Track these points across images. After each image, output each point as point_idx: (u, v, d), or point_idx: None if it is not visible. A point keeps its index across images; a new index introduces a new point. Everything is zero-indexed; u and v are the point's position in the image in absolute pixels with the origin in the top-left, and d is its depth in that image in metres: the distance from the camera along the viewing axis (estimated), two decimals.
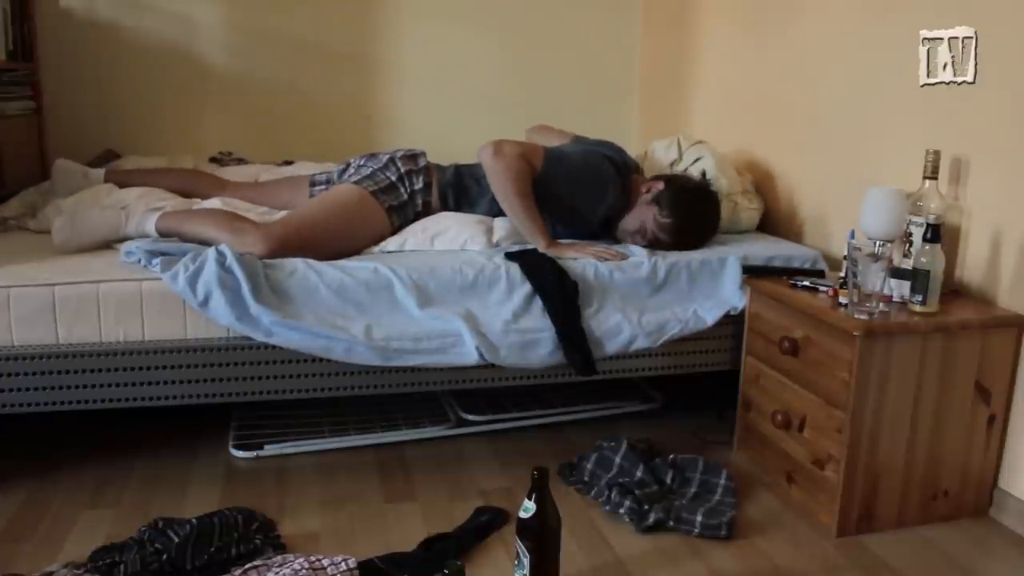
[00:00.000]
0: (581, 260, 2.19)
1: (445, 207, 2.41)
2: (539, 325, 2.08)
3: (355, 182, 2.35)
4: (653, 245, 2.33)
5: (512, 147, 2.29)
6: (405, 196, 2.36)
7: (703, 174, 2.52)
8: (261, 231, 2.12)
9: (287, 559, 1.59)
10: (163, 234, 2.19)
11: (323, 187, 2.50)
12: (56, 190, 2.60)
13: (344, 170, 2.50)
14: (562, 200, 2.33)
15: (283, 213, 2.41)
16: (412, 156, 2.44)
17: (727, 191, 2.53)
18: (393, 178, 2.37)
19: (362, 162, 2.46)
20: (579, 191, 2.33)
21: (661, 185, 2.34)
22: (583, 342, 2.07)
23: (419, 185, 2.39)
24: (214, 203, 2.40)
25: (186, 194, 2.56)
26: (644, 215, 2.32)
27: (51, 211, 2.39)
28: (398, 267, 2.09)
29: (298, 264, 2.05)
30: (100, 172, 2.67)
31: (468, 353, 2.01)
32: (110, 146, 3.22)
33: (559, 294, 2.08)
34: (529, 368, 2.08)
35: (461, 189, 2.42)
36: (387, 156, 2.44)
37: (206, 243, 2.11)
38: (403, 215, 2.36)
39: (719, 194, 2.48)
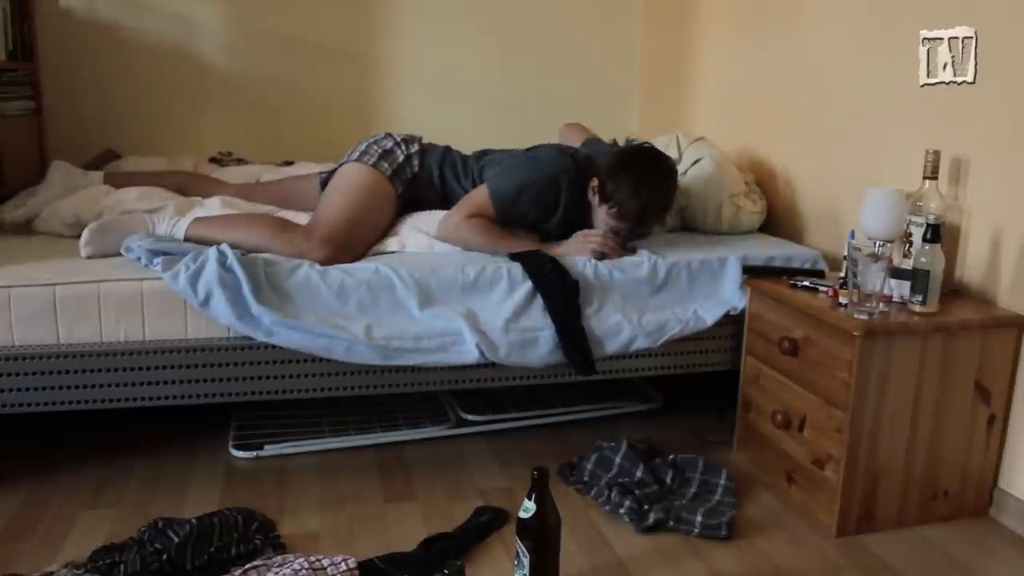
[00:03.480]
0: (582, 259, 2.19)
1: (431, 179, 2.43)
2: (539, 324, 2.08)
3: (356, 160, 2.37)
4: (629, 237, 2.27)
5: (455, 218, 2.28)
6: (401, 157, 2.39)
7: (615, 142, 2.56)
8: (315, 239, 2.13)
9: (287, 559, 1.59)
10: (193, 241, 2.15)
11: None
12: (52, 188, 2.54)
13: None
14: (524, 225, 2.33)
15: (289, 212, 2.42)
16: (408, 135, 2.51)
17: (731, 191, 2.53)
18: (389, 144, 2.41)
19: (357, 144, 2.47)
20: (535, 216, 2.30)
21: (595, 181, 2.26)
22: (583, 341, 2.07)
23: (415, 149, 2.43)
24: (214, 202, 2.40)
25: (183, 195, 2.55)
26: (598, 216, 2.28)
27: (48, 214, 2.37)
28: (399, 267, 2.09)
29: (298, 262, 2.05)
30: (99, 175, 2.66)
31: (468, 351, 2.01)
32: (110, 146, 3.22)
33: (560, 293, 2.08)
34: (529, 367, 2.08)
35: (450, 163, 2.45)
36: (383, 133, 2.50)
37: (247, 247, 2.10)
38: (402, 178, 2.38)
39: (720, 193, 2.48)
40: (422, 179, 2.43)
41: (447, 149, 2.50)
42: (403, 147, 2.42)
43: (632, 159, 2.25)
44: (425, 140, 2.55)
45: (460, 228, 2.25)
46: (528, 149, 2.45)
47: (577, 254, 2.21)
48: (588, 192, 2.30)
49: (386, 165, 2.36)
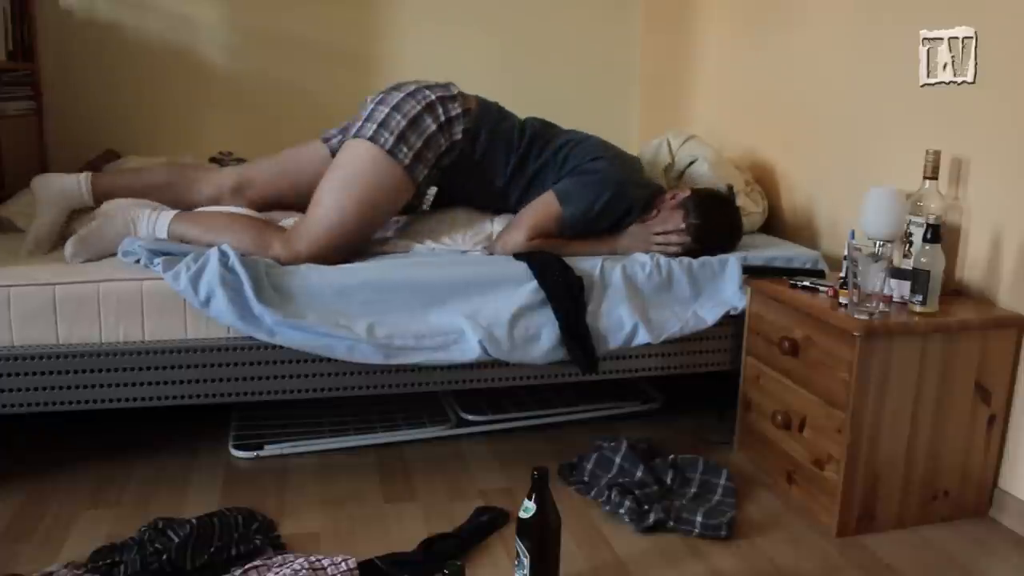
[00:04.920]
0: (589, 260, 2.19)
1: (474, 145, 2.21)
2: (542, 320, 2.08)
3: (369, 137, 2.11)
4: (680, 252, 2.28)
5: (517, 239, 2.21)
6: (433, 128, 2.13)
7: (729, 189, 2.46)
8: (293, 251, 2.07)
9: (287, 559, 1.59)
10: (178, 240, 2.13)
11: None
12: (46, 217, 2.28)
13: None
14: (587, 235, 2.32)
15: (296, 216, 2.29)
16: (442, 85, 2.22)
17: None
18: (417, 110, 2.12)
19: (379, 100, 2.18)
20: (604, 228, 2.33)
21: (687, 192, 2.30)
22: (586, 338, 2.08)
23: (456, 111, 2.16)
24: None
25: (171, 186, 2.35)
26: (668, 220, 2.28)
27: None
28: (402, 266, 2.09)
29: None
30: (85, 183, 2.30)
31: (470, 348, 2.01)
32: (110, 146, 3.22)
33: (564, 290, 2.09)
34: (531, 363, 2.07)
35: (504, 132, 2.24)
36: (412, 86, 2.19)
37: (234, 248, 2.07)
38: (427, 159, 2.15)
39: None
40: (463, 146, 2.18)
41: (500, 112, 2.27)
42: (438, 110, 2.13)
43: (726, 199, 2.36)
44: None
45: (524, 251, 2.21)
46: (598, 154, 2.29)
47: (637, 250, 2.27)
48: (665, 195, 2.32)
49: (406, 150, 2.10)
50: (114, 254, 2.10)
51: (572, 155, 2.29)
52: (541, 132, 2.33)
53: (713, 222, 2.28)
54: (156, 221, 2.15)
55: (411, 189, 2.19)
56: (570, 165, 2.28)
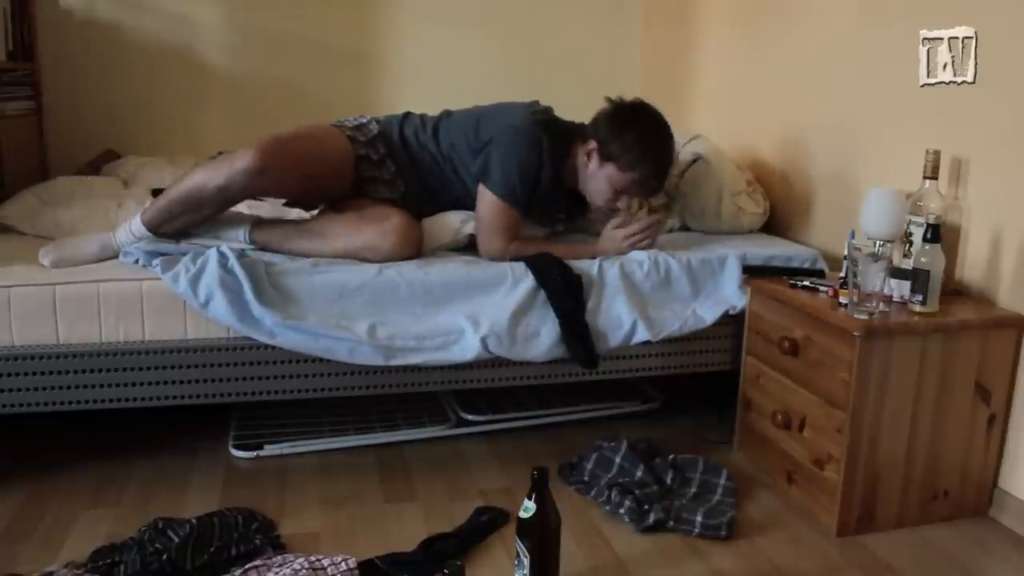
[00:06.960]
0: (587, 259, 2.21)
1: (392, 137, 2.31)
2: (542, 319, 2.08)
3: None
4: (641, 194, 2.28)
5: (497, 247, 2.21)
6: (362, 120, 2.32)
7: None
8: (243, 149, 2.04)
9: (287, 559, 1.59)
10: (155, 226, 2.08)
11: None
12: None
13: None
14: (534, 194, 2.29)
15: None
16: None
17: (732, 190, 2.52)
18: (343, 121, 2.34)
19: None
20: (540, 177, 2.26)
21: (590, 144, 2.23)
22: (586, 335, 2.08)
23: (367, 118, 2.35)
24: None
25: None
26: (604, 177, 2.22)
27: (48, 221, 2.34)
28: (402, 266, 2.09)
29: (301, 263, 2.05)
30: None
31: (471, 347, 2.01)
32: (110, 146, 3.22)
33: (563, 287, 2.09)
34: (531, 361, 2.07)
35: (411, 122, 2.35)
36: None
37: (195, 199, 2.04)
38: (361, 139, 2.26)
39: (719, 191, 2.48)
40: (389, 140, 2.30)
41: (407, 112, 2.40)
42: (352, 119, 2.33)
43: (635, 115, 2.23)
44: None
45: (501, 255, 2.21)
46: (486, 109, 2.31)
47: (618, 253, 2.25)
48: (579, 158, 2.26)
49: (342, 128, 2.27)
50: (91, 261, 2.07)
51: (476, 121, 2.28)
52: (444, 115, 2.38)
53: (638, 151, 2.18)
54: (130, 227, 2.10)
55: (350, 154, 2.22)
56: (479, 142, 2.26)
